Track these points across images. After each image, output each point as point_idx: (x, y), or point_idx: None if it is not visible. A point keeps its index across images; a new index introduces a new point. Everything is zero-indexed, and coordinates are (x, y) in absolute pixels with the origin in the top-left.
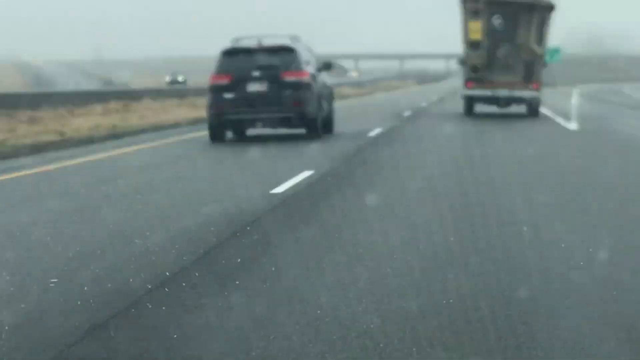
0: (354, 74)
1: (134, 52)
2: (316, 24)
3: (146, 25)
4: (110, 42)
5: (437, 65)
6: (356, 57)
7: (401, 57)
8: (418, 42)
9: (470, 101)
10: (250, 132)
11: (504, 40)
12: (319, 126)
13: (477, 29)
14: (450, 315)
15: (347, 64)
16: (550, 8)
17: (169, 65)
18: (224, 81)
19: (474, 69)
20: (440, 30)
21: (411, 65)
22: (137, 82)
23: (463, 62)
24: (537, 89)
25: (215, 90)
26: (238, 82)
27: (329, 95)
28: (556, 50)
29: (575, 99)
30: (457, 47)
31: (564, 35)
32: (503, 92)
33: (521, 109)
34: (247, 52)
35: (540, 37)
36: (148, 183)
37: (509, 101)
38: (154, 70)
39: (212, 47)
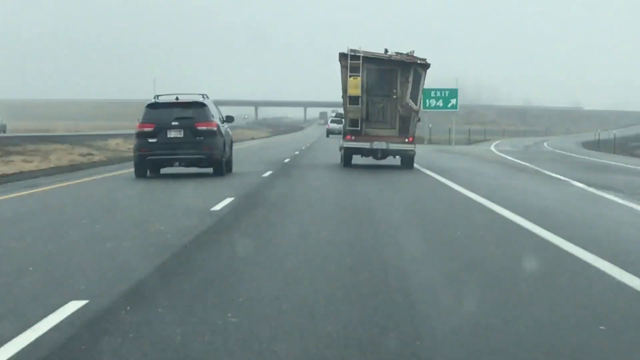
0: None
1: None
2: (167, 70)
3: None
4: None
5: (295, 114)
6: None
7: (256, 104)
8: (275, 90)
9: (348, 153)
10: (164, 170)
11: (381, 95)
12: (223, 166)
13: (356, 84)
14: None
15: None
16: (425, 66)
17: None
18: (148, 128)
19: (353, 122)
20: (298, 78)
21: (267, 113)
22: None
23: (342, 115)
24: (412, 143)
25: (141, 136)
26: (160, 130)
27: (230, 141)
28: (453, 94)
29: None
30: (316, 95)
31: (428, 86)
32: (380, 145)
33: (396, 161)
34: (167, 105)
35: (416, 93)
36: None
37: (386, 154)
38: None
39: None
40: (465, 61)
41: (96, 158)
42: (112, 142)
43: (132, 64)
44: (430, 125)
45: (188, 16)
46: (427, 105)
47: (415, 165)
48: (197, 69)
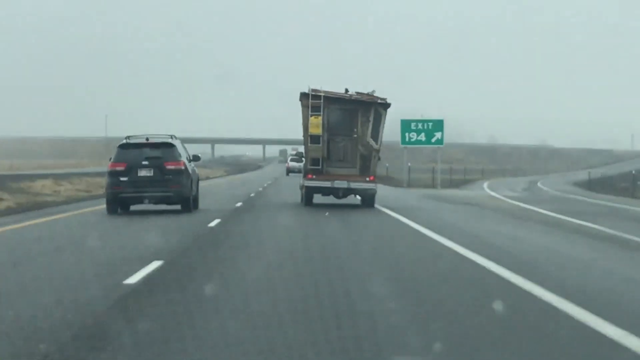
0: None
1: None
2: (119, 106)
3: None
4: None
5: (253, 152)
6: None
7: (213, 142)
8: (232, 127)
9: (309, 192)
10: (133, 207)
11: (342, 134)
12: (191, 203)
13: (317, 123)
14: None
15: None
16: (385, 105)
17: None
18: (120, 167)
19: (314, 161)
20: (257, 115)
21: (224, 150)
22: None
23: (302, 154)
24: (373, 182)
25: (113, 174)
26: (131, 169)
27: (197, 179)
28: (438, 126)
29: None
30: (275, 132)
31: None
32: (341, 184)
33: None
34: (138, 145)
35: (376, 133)
36: None
37: (347, 192)
38: None
39: None
40: (428, 98)
41: (3, 205)
42: (38, 184)
43: (83, 100)
44: (409, 164)
45: (141, 51)
46: (407, 139)
47: (420, 227)
48: (151, 105)
